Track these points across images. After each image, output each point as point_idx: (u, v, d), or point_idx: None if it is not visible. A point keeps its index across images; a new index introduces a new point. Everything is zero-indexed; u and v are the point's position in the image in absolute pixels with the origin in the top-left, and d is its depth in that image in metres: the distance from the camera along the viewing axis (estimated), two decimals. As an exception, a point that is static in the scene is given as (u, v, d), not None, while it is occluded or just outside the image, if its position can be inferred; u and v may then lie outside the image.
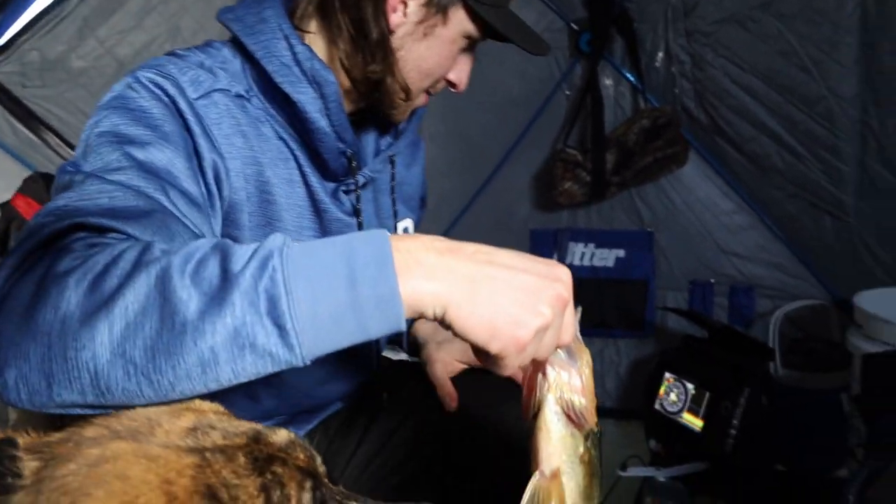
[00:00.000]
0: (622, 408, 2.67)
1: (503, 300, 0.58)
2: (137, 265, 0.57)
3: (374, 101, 1.00)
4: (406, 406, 1.12)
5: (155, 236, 0.68)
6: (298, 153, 0.96)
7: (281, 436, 0.57)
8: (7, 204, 2.07)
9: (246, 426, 0.56)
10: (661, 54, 2.47)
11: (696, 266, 2.63)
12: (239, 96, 0.91)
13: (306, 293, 0.55)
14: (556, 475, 0.65)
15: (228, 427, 0.55)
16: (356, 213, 1.02)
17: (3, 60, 2.35)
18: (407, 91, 0.97)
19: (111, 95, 0.84)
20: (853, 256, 2.33)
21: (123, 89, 0.83)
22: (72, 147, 2.47)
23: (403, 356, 1.24)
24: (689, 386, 2.20)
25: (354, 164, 0.98)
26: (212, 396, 0.81)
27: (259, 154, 0.92)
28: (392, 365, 1.22)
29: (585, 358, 0.67)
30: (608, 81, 2.62)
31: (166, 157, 0.78)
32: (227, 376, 0.56)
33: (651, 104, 2.54)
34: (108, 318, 0.54)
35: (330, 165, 0.96)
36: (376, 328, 0.57)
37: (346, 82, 0.97)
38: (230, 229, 0.89)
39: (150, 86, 0.83)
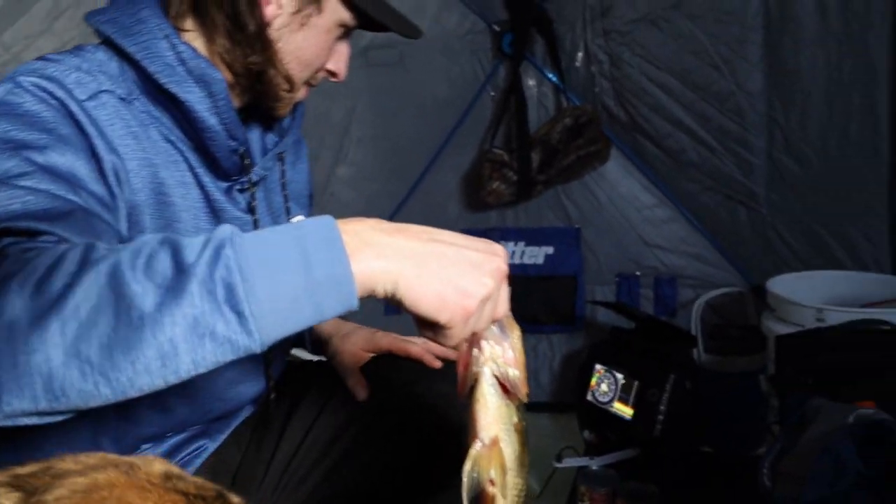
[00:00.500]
0: (556, 401, 2.71)
1: (450, 273, 0.63)
2: (83, 264, 0.57)
3: (258, 95, 0.99)
4: (318, 402, 1.12)
5: (83, 235, 0.67)
6: (188, 154, 0.94)
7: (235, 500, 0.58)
8: None
9: (209, 485, 0.56)
10: (580, 54, 2.54)
11: (621, 260, 2.71)
12: (122, 99, 0.88)
13: (262, 279, 0.56)
14: (494, 443, 0.69)
15: (196, 480, 0.55)
16: (251, 210, 1.02)
17: None
18: (290, 82, 0.98)
19: None
20: (767, 245, 2.45)
21: (5, 95, 0.79)
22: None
23: (308, 356, 1.24)
24: (619, 376, 2.26)
25: (247, 161, 0.97)
26: (121, 411, 0.79)
27: (151, 156, 0.90)
28: (300, 364, 1.23)
29: (517, 332, 0.72)
30: (531, 82, 2.67)
31: (67, 160, 0.76)
32: (186, 367, 0.56)
33: (573, 103, 2.61)
34: (60, 318, 0.54)
35: (222, 164, 0.95)
36: (331, 309, 0.60)
37: (230, 77, 0.96)
38: (132, 232, 0.86)
39: (35, 90, 0.79)
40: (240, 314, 0.56)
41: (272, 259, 0.58)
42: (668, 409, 2.13)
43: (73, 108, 0.81)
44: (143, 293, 0.55)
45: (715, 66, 2.24)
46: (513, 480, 0.71)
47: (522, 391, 0.71)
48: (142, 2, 0.91)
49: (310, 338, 1.24)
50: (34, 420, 0.57)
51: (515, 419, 0.71)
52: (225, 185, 0.98)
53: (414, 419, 1.05)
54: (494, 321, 0.69)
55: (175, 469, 0.57)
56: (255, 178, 1.01)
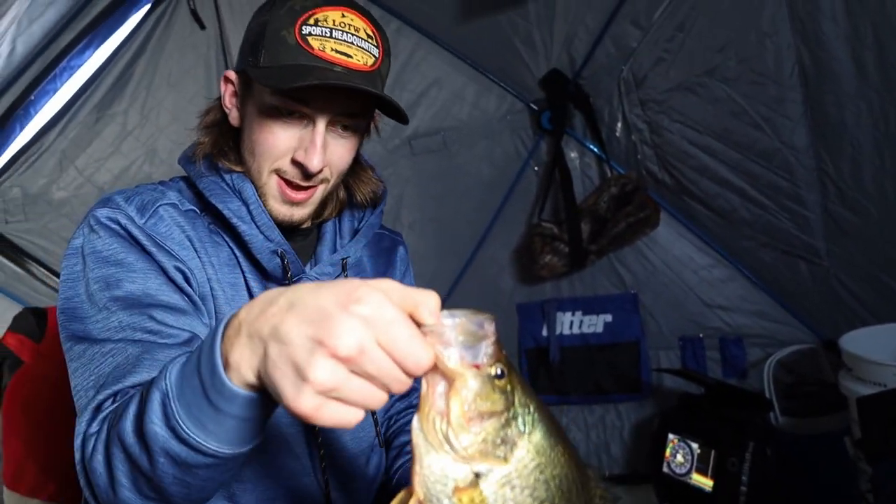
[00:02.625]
0: (630, 472, 2.65)
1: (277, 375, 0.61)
2: (111, 443, 0.80)
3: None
4: None
5: (151, 370, 0.85)
6: (242, 261, 1.07)
7: None
8: (-3, 343, 2.08)
9: None
10: (619, 124, 2.59)
11: (683, 322, 2.67)
12: (191, 211, 1.06)
13: (187, 414, 0.70)
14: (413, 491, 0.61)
15: None
16: None
17: (-15, 200, 2.41)
18: (258, 174, 1.05)
19: (77, 244, 0.99)
20: (833, 297, 2.39)
21: (87, 236, 0.99)
22: (55, 274, 2.50)
23: None
24: (694, 445, 2.21)
25: (287, 261, 1.06)
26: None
27: (207, 258, 1.04)
28: None
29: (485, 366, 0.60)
30: (573, 154, 2.73)
31: (137, 285, 0.94)
32: (198, 481, 0.75)
33: (617, 171, 2.64)
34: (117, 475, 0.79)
35: (266, 266, 1.05)
36: (225, 407, 0.68)
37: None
38: (211, 320, 1.01)
39: (107, 222, 0.98)
40: (187, 444, 0.71)
41: (188, 397, 0.70)
42: (751, 478, 2.06)
43: (135, 231, 0.98)
44: (140, 455, 0.75)
45: (756, 125, 2.25)
46: None
47: (470, 452, 0.59)
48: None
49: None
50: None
51: (451, 485, 0.60)
52: (274, 286, 1.04)
53: None
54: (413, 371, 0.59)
55: None
56: (306, 281, 1.07)
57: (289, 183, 1.04)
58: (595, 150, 2.68)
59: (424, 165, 2.75)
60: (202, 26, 2.56)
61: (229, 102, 1.08)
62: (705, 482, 2.14)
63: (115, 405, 0.83)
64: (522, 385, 0.62)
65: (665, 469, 2.29)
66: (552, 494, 0.62)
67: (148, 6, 2.50)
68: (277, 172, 1.04)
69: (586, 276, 2.75)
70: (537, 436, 0.62)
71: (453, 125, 2.73)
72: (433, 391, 0.60)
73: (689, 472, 2.21)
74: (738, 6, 2.17)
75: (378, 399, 0.59)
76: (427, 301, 0.58)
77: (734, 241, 2.52)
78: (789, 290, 2.51)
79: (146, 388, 0.75)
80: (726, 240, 2.55)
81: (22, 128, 2.44)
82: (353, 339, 0.56)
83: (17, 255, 2.47)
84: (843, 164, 2.16)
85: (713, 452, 2.14)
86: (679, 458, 2.26)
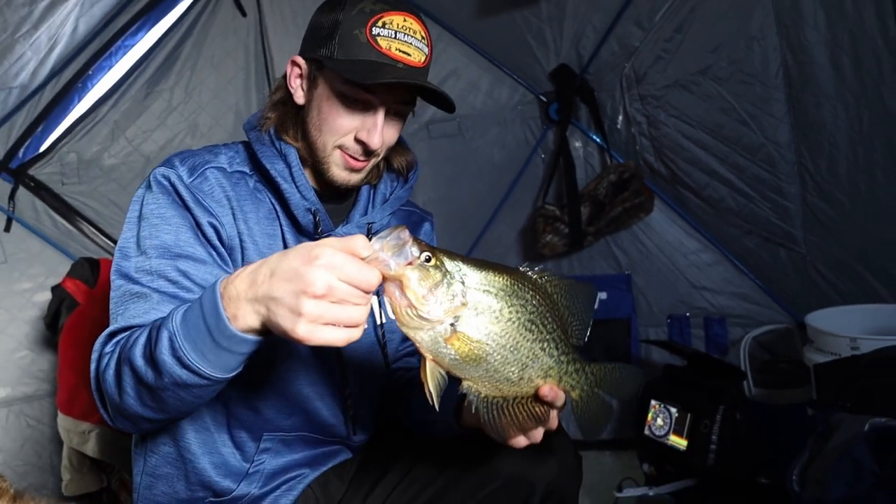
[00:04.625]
0: (617, 438, 2.86)
1: (278, 300, 0.90)
2: (122, 362, 1.06)
3: (316, 164, 1.25)
4: (414, 455, 1.34)
5: (157, 315, 1.10)
6: (280, 215, 1.26)
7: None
8: (58, 286, 2.36)
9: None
10: (620, 117, 2.80)
11: (672, 302, 2.89)
12: (240, 173, 1.25)
13: (192, 349, 0.96)
14: (424, 360, 0.93)
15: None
16: None
17: (44, 163, 2.67)
18: (324, 146, 1.22)
19: (139, 194, 1.21)
20: (809, 282, 2.59)
21: (146, 189, 1.21)
22: (103, 234, 2.77)
23: None
24: (673, 410, 2.42)
25: (319, 218, 1.25)
26: (228, 410, 1.28)
27: (245, 212, 1.23)
28: (398, 426, 1.46)
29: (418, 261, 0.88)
30: (577, 143, 2.95)
31: (171, 236, 1.17)
32: (190, 397, 1.02)
33: (616, 160, 2.86)
34: (125, 397, 1.08)
35: (301, 221, 1.25)
36: (233, 348, 0.96)
37: (304, 153, 1.25)
38: (235, 266, 1.22)
39: (161, 179, 1.19)
40: (189, 369, 0.97)
41: (193, 333, 0.97)
42: (720, 438, 2.27)
43: (181, 189, 1.18)
44: (146, 374, 1.01)
45: (743, 121, 2.46)
46: (475, 374, 0.93)
47: (433, 312, 0.88)
48: (261, 109, 1.31)
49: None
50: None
51: (443, 336, 0.89)
52: (306, 241, 1.23)
53: (488, 483, 1.25)
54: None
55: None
56: (334, 236, 1.25)
57: (352, 156, 1.22)
58: (597, 139, 2.90)
59: (440, 149, 2.98)
60: (244, 13, 2.81)
61: (294, 83, 1.25)
62: (680, 442, 2.36)
63: (128, 335, 1.08)
64: (448, 255, 0.91)
65: (646, 432, 2.50)
66: (515, 310, 0.92)
67: (196, -6, 2.76)
68: (341, 147, 1.22)
69: (584, 257, 2.97)
70: (474, 278, 0.90)
71: (468, 112, 2.96)
72: (394, 296, 0.89)
73: (667, 433, 2.42)
74: (731, 11, 2.38)
75: (354, 316, 0.88)
76: (357, 241, 0.88)
77: (721, 228, 2.73)
78: (769, 275, 2.72)
79: (155, 327, 1.02)
80: (714, 226, 2.76)
81: (80, 99, 2.70)
82: (321, 281, 0.85)
83: (71, 214, 2.73)
84: (821, 159, 2.37)
85: (689, 416, 2.35)
86: (659, 421, 2.47)
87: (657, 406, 2.49)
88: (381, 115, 1.19)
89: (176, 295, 1.13)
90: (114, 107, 2.72)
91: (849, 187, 2.35)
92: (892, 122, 2.17)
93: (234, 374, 1.01)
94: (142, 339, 1.03)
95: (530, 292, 0.93)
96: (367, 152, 1.22)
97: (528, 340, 0.93)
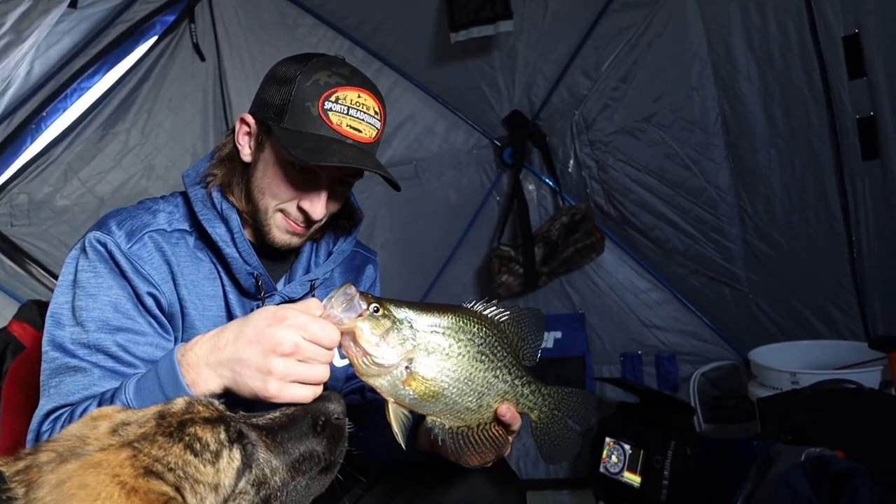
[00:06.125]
0: (574, 477, 2.89)
1: (244, 363, 0.94)
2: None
3: (257, 226, 1.23)
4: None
5: (98, 390, 1.08)
6: (223, 275, 1.24)
7: (178, 403, 0.81)
8: (3, 329, 2.29)
9: (150, 411, 0.79)
10: (571, 161, 2.91)
11: (624, 340, 2.96)
12: (180, 231, 1.22)
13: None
14: (387, 403, 0.99)
15: (137, 418, 0.79)
16: None
17: (-6, 204, 2.63)
18: (266, 210, 1.21)
19: (73, 255, 1.17)
20: (753, 320, 2.70)
21: (80, 254, 1.16)
22: (53, 276, 2.72)
23: None
24: (626, 446, 2.46)
25: (261, 282, 1.24)
26: None
27: (185, 276, 1.21)
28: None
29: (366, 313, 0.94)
30: (531, 186, 3.04)
31: (110, 308, 1.14)
32: None
33: (568, 203, 2.96)
34: None
35: (243, 284, 1.23)
36: None
37: (245, 213, 1.23)
38: (176, 331, 1.21)
39: (97, 245, 1.15)
40: None
41: (146, 395, 0.98)
42: (672, 473, 2.31)
43: (118, 256, 1.14)
44: None
45: (686, 166, 2.58)
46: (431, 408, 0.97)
47: (382, 364, 0.94)
48: (203, 160, 1.28)
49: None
50: None
51: (400, 379, 0.95)
52: (251, 303, 1.25)
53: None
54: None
55: (118, 417, 0.77)
56: (278, 299, 1.23)
57: (293, 220, 1.21)
58: (550, 182, 3.00)
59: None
60: (202, 58, 2.85)
61: (241, 141, 1.23)
62: (634, 479, 2.40)
63: (69, 410, 1.07)
64: (394, 303, 0.97)
65: (601, 469, 2.53)
66: (463, 345, 0.98)
67: (155, 38, 2.79)
68: (282, 212, 1.21)
69: (539, 297, 3.03)
70: (422, 320, 0.96)
71: (425, 156, 3.03)
72: (351, 350, 0.94)
73: (621, 470, 2.46)
74: (671, 63, 2.52)
75: (318, 374, 0.94)
76: (312, 304, 0.95)
77: (669, 267, 2.84)
78: (715, 313, 2.82)
79: (105, 400, 1.02)
80: (662, 266, 2.86)
81: (33, 140, 2.69)
82: (289, 341, 0.91)
83: (19, 256, 2.69)
84: (759, 202, 2.50)
85: (642, 452, 2.39)
86: (614, 458, 2.51)
87: (611, 443, 2.53)
88: (325, 190, 1.19)
89: (115, 370, 1.10)
90: (68, 148, 2.71)
91: (785, 228, 2.48)
92: (819, 167, 2.32)
93: None
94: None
95: (476, 325, 0.98)
96: (308, 221, 1.21)
97: (480, 371, 0.99)
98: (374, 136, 1.18)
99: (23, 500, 0.69)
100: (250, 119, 1.23)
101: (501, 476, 1.25)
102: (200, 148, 2.90)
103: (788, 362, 2.25)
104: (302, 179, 1.18)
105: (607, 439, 2.54)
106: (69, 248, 2.65)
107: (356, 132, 1.15)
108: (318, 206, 1.18)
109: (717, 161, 2.53)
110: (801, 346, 2.41)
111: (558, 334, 3.02)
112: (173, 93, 2.85)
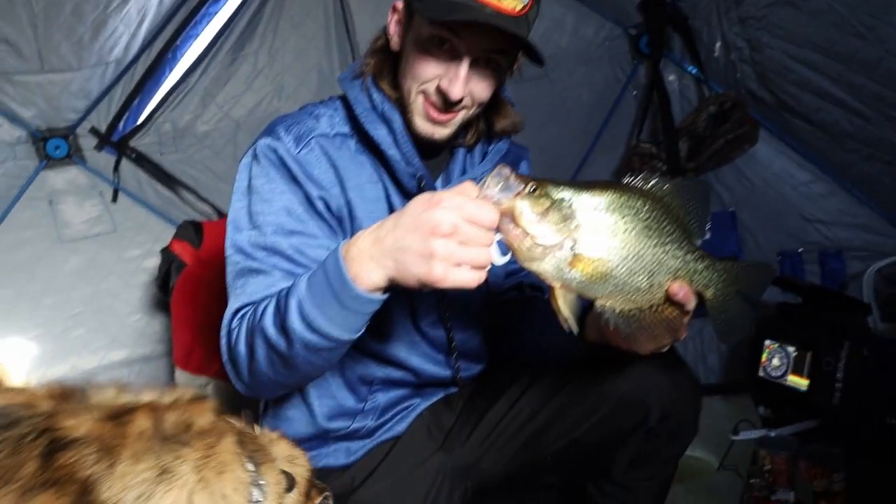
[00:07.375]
0: (727, 381, 2.76)
1: (404, 250, 0.92)
2: (252, 335, 1.11)
3: (404, 112, 1.23)
4: (523, 384, 1.36)
5: (276, 289, 1.14)
6: (384, 177, 1.27)
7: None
8: (166, 249, 2.45)
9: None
10: (718, 44, 2.63)
11: (782, 238, 2.72)
12: (342, 135, 1.26)
13: (320, 314, 1.01)
14: (553, 289, 0.96)
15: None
16: None
17: (143, 134, 2.76)
18: (408, 94, 1.21)
19: (245, 162, 1.23)
20: (937, 206, 2.38)
21: (252, 161, 1.22)
22: (202, 199, 2.84)
23: None
24: (790, 349, 2.30)
25: (423, 184, 1.25)
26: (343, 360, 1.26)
27: (350, 179, 1.25)
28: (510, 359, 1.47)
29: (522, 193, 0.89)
30: (672, 77, 2.80)
31: (284, 213, 1.20)
32: (319, 360, 1.07)
33: (715, 91, 2.70)
34: (257, 365, 1.13)
35: (406, 186, 1.26)
36: (358, 308, 1.00)
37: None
38: (345, 233, 1.25)
39: (268, 152, 1.21)
40: (319, 333, 1.02)
41: (319, 299, 1.01)
42: (846, 377, 2.14)
43: (289, 161, 1.20)
44: (279, 343, 1.06)
45: (859, 34, 2.25)
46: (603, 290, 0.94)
47: (548, 240, 0.90)
48: (358, 62, 1.30)
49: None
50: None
51: (565, 262, 0.91)
52: None
53: (601, 407, 1.25)
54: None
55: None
56: None
57: (433, 105, 1.19)
58: (693, 71, 2.74)
59: (526, 93, 2.89)
60: (320, -30, 2.79)
61: (392, 29, 1.25)
62: (801, 382, 2.24)
63: (253, 308, 1.13)
64: (552, 182, 0.91)
65: (761, 373, 2.39)
66: (629, 220, 0.92)
67: (274, -47, 2.75)
68: (424, 94, 1.19)
69: (684, 196, 2.84)
70: (582, 198, 0.91)
71: (553, 52, 2.85)
72: (511, 232, 0.91)
73: (784, 373, 2.31)
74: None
75: (481, 257, 0.90)
76: (466, 187, 0.91)
77: (836, 154, 2.54)
78: (893, 203, 2.51)
79: (283, 296, 1.06)
80: (828, 154, 2.57)
81: (171, 69, 2.77)
82: (447, 221, 0.88)
83: (171, 182, 2.82)
84: (952, 68, 2.15)
85: (809, 354, 2.23)
86: (775, 361, 2.35)
87: (772, 346, 2.37)
88: (464, 65, 1.15)
89: (291, 271, 1.15)
90: (203, 74, 2.76)
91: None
92: None
93: (358, 334, 1.04)
94: (270, 310, 1.08)
95: (640, 200, 0.93)
96: (448, 103, 1.17)
97: (649, 247, 0.94)
98: (518, 8, 1.11)
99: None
100: (399, 4, 1.24)
101: (672, 365, 1.23)
102: (325, 65, 2.88)
103: None
104: (442, 57, 1.16)
105: (767, 342, 2.39)
106: (213, 172, 2.76)
107: (498, 2, 1.09)
108: (456, 84, 1.15)
109: (900, 24, 2.18)
110: None
111: (707, 235, 2.82)
112: (295, 10, 2.82)
